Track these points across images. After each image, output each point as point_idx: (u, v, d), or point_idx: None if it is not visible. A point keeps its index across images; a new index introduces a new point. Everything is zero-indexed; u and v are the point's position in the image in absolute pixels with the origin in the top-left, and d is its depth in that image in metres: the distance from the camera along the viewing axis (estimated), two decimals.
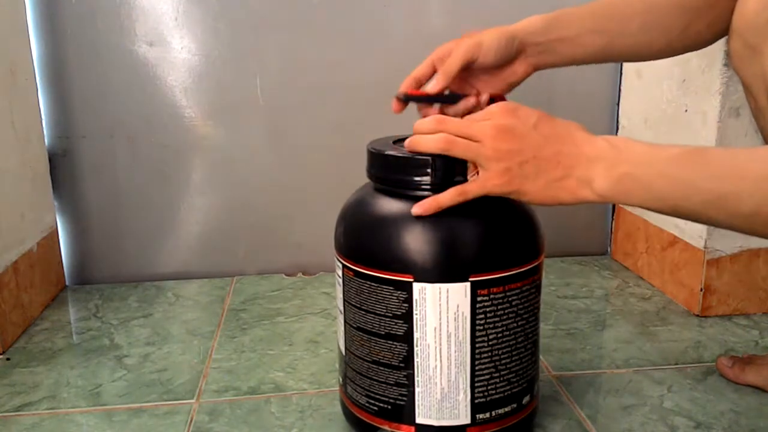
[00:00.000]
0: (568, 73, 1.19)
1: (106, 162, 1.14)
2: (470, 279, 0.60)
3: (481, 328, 0.62)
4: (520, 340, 0.64)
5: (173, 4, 1.09)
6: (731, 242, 0.96)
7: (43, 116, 1.10)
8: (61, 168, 1.13)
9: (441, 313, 0.61)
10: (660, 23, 0.75)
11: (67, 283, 1.17)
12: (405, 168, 0.63)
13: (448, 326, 0.61)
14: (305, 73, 1.14)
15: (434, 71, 0.73)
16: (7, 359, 0.90)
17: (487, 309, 0.61)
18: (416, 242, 0.61)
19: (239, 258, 1.20)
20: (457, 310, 0.61)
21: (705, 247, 0.97)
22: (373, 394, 0.66)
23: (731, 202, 0.53)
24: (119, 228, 1.16)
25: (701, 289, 0.98)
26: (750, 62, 0.69)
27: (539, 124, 0.59)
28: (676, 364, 0.86)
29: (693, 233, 0.99)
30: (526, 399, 0.66)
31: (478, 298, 0.61)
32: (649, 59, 0.84)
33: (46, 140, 1.11)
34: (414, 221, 0.62)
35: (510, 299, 0.62)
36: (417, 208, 0.60)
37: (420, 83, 0.73)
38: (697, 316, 0.99)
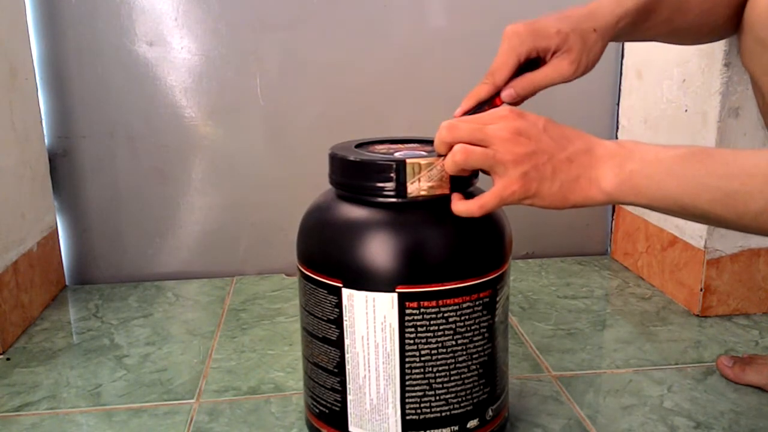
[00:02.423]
0: None
1: (106, 162, 1.14)
2: (397, 290, 0.59)
3: (412, 342, 0.60)
4: (461, 359, 0.61)
5: (173, 4, 1.09)
6: (731, 242, 0.96)
7: (43, 116, 1.10)
8: (61, 168, 1.13)
9: (368, 321, 0.60)
10: (711, 12, 0.74)
11: (67, 283, 1.17)
12: (350, 173, 0.62)
13: (375, 336, 0.60)
14: (305, 73, 1.14)
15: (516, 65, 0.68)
16: (7, 359, 0.90)
17: (418, 323, 0.60)
18: (347, 248, 0.60)
19: (239, 258, 1.20)
20: (384, 321, 0.60)
21: (705, 247, 0.97)
22: (315, 397, 0.67)
23: (740, 201, 0.53)
24: (119, 228, 1.17)
25: (701, 289, 0.98)
26: (759, 57, 0.69)
27: (548, 127, 0.58)
28: (676, 364, 0.86)
29: (693, 233, 0.99)
30: (472, 423, 0.64)
31: (407, 311, 0.59)
32: (693, 44, 0.86)
33: (46, 140, 1.11)
34: (350, 227, 0.61)
35: (446, 315, 0.60)
36: (461, 210, 0.59)
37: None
38: (697, 316, 0.99)
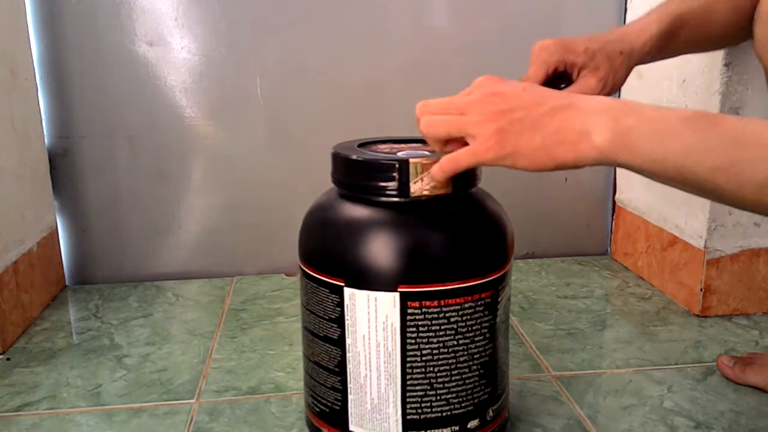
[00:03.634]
0: None
1: (106, 162, 1.14)
2: (399, 290, 0.59)
3: (413, 341, 0.60)
4: (462, 359, 0.61)
5: (173, 4, 1.09)
6: (731, 242, 0.96)
7: (43, 116, 1.10)
8: (61, 168, 1.13)
9: (370, 321, 0.60)
10: (735, 25, 0.73)
11: (67, 283, 1.17)
12: (353, 172, 0.62)
13: (377, 335, 0.60)
14: (305, 73, 1.14)
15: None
16: (7, 359, 0.90)
17: (419, 322, 0.59)
18: (349, 247, 0.60)
19: (239, 258, 1.20)
20: (386, 320, 0.60)
21: (705, 247, 0.97)
22: (316, 396, 0.67)
23: (745, 169, 0.49)
24: (119, 228, 1.16)
25: (701, 289, 0.98)
26: None
27: (528, 87, 0.56)
28: (676, 364, 0.86)
29: (693, 233, 0.99)
30: (473, 423, 0.64)
31: (409, 311, 0.59)
32: (710, 51, 0.87)
33: (46, 140, 1.11)
34: (352, 226, 0.61)
35: (447, 315, 0.60)
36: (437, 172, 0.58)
37: None
38: (697, 316, 0.99)
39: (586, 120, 0.53)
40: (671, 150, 0.51)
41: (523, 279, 1.15)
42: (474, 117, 0.54)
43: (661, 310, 1.02)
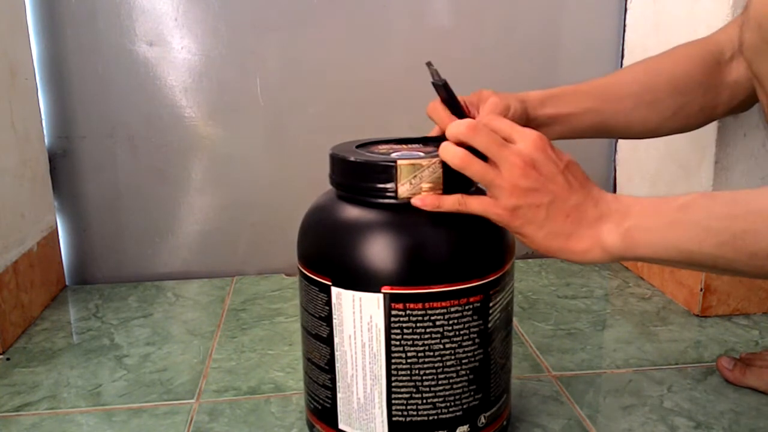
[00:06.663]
0: (568, 74, 1.19)
1: (106, 162, 1.14)
2: (383, 291, 0.59)
3: (398, 343, 0.60)
4: (449, 363, 0.60)
5: (173, 4, 1.09)
6: None
7: (43, 116, 1.10)
8: (61, 168, 1.13)
9: (355, 321, 0.60)
10: (653, 104, 0.76)
11: (67, 283, 1.17)
12: (345, 173, 0.63)
13: (362, 335, 0.60)
14: (305, 73, 1.14)
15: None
16: (7, 359, 0.90)
17: (404, 324, 0.59)
18: (336, 246, 0.60)
19: (239, 258, 1.20)
20: (371, 321, 0.60)
21: None
22: (310, 392, 0.67)
23: (749, 240, 0.51)
24: (119, 228, 1.17)
25: (701, 289, 0.98)
26: (766, 57, 0.68)
27: (568, 170, 0.57)
28: (676, 364, 0.86)
29: None
30: (462, 429, 0.63)
31: (393, 312, 0.59)
32: (640, 138, 0.86)
33: (46, 140, 1.11)
34: (341, 226, 0.61)
35: (432, 318, 0.59)
36: (417, 200, 0.58)
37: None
38: (697, 316, 0.99)
39: (593, 227, 0.57)
40: (673, 238, 0.54)
41: (523, 279, 1.15)
42: (503, 180, 0.56)
43: (661, 310, 1.02)
